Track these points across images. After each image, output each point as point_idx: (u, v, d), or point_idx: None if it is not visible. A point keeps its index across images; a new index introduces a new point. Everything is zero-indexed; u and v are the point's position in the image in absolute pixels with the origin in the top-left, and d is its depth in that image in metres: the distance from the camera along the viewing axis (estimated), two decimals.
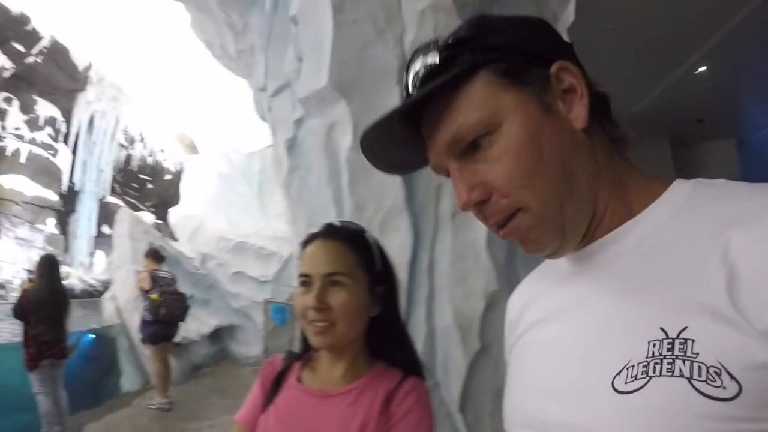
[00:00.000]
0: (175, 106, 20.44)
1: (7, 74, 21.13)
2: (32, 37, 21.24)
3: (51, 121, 23.05)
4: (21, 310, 5.67)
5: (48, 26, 21.02)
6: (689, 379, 0.57)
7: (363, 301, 1.40)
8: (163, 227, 23.10)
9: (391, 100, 4.00)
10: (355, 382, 1.38)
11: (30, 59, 21.51)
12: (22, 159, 21.56)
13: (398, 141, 0.84)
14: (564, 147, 0.73)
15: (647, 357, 0.61)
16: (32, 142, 22.04)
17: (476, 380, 4.04)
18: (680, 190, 0.73)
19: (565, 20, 5.21)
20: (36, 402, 5.61)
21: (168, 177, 31.92)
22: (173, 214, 14.74)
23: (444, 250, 4.25)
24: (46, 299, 5.76)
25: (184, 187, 15.52)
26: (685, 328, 0.59)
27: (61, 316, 5.91)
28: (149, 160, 31.27)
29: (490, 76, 0.74)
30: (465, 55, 0.74)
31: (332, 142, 4.45)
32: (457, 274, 4.12)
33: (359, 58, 4.26)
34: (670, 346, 0.59)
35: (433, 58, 0.76)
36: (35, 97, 22.80)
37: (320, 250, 1.40)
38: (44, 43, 21.58)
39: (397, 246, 4.23)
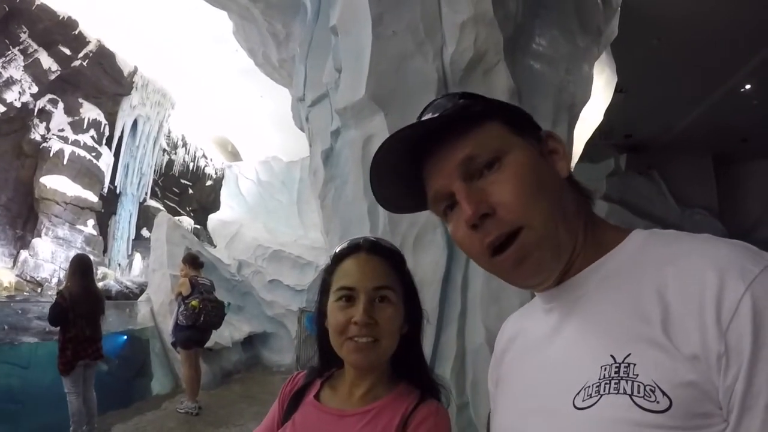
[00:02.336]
0: (218, 112, 20.64)
1: (53, 77, 21.59)
2: (79, 41, 21.57)
3: (95, 124, 23.43)
4: (58, 314, 5.66)
5: (95, 31, 21.34)
6: (630, 396, 0.68)
7: (402, 319, 1.37)
8: (202, 232, 23.38)
9: None
10: (373, 403, 1.33)
11: (76, 63, 21.89)
12: (65, 160, 21.96)
13: (398, 175, 0.95)
14: (556, 183, 0.88)
15: (599, 379, 0.73)
16: (75, 144, 22.43)
17: None
18: (636, 240, 0.85)
19: (609, 35, 5.10)
20: (66, 401, 5.65)
21: (209, 183, 32.33)
22: (212, 219, 14.89)
23: (478, 268, 4.14)
24: (80, 297, 5.78)
25: (224, 194, 15.67)
26: (629, 354, 0.72)
27: (96, 314, 5.94)
28: (191, 165, 31.72)
29: (499, 124, 0.89)
30: (479, 105, 0.90)
31: (369, 154, 4.38)
32: (490, 293, 4.05)
33: (398, 70, 4.22)
34: (617, 369, 0.72)
35: (454, 101, 0.91)
36: (80, 100, 23.19)
37: (367, 264, 1.36)
38: (91, 47, 21.90)
39: (430, 262, 4.18)
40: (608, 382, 0.71)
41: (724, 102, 11.18)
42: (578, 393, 0.75)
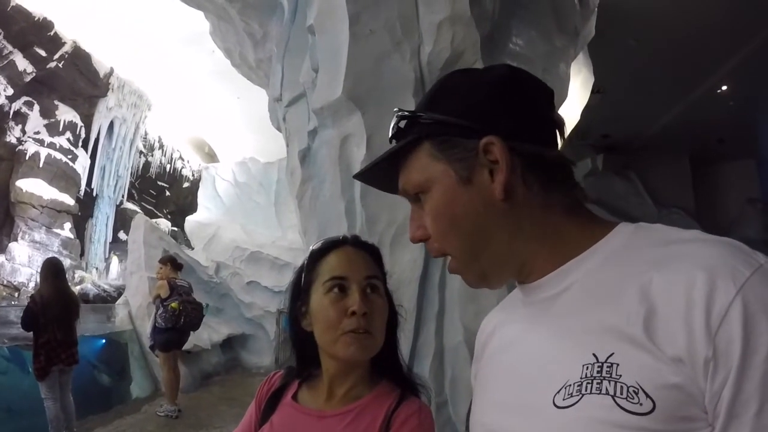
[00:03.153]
0: (195, 114, 20.36)
1: (28, 78, 21.18)
2: (54, 43, 21.09)
3: (71, 126, 22.97)
4: (29, 318, 5.60)
5: (70, 32, 20.89)
6: (613, 397, 0.67)
7: (387, 313, 1.36)
8: (179, 235, 23.16)
9: None
10: (354, 403, 1.30)
11: (52, 64, 21.45)
12: (41, 163, 21.58)
13: (389, 173, 0.99)
14: (476, 214, 0.87)
15: (581, 378, 0.71)
16: (51, 146, 22.01)
17: None
18: (622, 233, 0.83)
19: (586, 35, 5.15)
20: (44, 407, 5.57)
21: (186, 185, 32.00)
22: (189, 221, 14.78)
23: None
24: (52, 300, 5.69)
25: (201, 195, 15.55)
26: (612, 353, 0.70)
27: (70, 318, 5.86)
28: (168, 167, 31.37)
29: (430, 147, 0.90)
30: (415, 126, 0.91)
31: (346, 153, 4.41)
32: (468, 292, 4.05)
33: (375, 70, 4.21)
34: (599, 368, 0.70)
35: (397, 123, 0.94)
36: (56, 102, 22.71)
37: (355, 255, 1.36)
38: (66, 48, 21.42)
39: (408, 261, 4.17)
40: (590, 381, 0.70)
41: (700, 103, 11.31)
42: (558, 391, 0.73)
